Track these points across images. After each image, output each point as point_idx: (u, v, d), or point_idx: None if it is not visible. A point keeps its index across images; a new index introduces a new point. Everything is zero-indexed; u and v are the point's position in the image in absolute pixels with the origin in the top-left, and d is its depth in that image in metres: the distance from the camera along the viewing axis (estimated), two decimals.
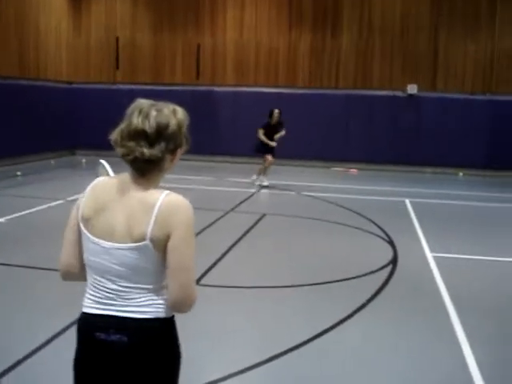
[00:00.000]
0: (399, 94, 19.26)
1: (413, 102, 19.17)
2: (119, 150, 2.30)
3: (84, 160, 19.05)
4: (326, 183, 15.24)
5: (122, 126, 2.34)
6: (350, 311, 5.79)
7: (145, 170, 2.29)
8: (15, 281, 6.60)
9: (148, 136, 2.25)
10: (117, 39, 21.15)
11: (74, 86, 21.00)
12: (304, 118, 19.27)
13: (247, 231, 9.38)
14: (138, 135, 2.26)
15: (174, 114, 2.37)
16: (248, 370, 4.48)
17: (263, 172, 14.82)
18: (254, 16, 20.22)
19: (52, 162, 18.34)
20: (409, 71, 19.39)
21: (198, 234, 8.87)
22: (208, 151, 19.84)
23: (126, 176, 2.35)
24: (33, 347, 4.71)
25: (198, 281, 6.66)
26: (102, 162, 3.01)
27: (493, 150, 18.57)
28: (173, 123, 2.32)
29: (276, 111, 14.70)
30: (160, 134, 2.27)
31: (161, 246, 2.23)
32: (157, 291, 2.32)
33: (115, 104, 20.32)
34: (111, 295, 2.31)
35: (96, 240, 2.29)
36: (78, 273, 2.42)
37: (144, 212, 2.23)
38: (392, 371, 4.62)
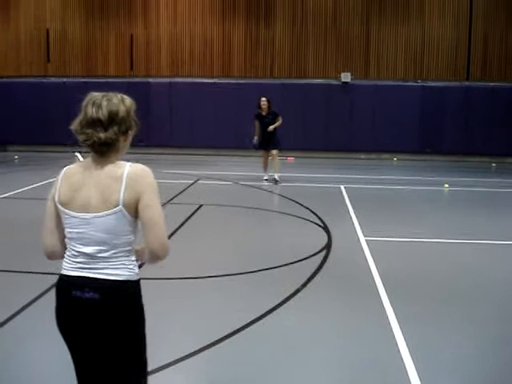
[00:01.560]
0: (333, 81, 19.54)
1: (347, 90, 19.48)
2: (80, 137, 2.69)
3: (16, 156, 18.63)
4: (262, 172, 15.36)
5: (80, 117, 2.71)
6: (284, 297, 5.88)
7: (104, 152, 2.69)
8: None
9: (102, 123, 2.65)
10: (47, 31, 20.68)
11: (4, 80, 20.44)
12: (240, 107, 19.33)
13: (184, 222, 9.38)
14: (94, 123, 2.65)
15: (123, 102, 2.75)
16: (184, 359, 4.51)
17: (265, 167, 14.14)
18: (187, 6, 20.11)
19: None
20: (342, 59, 19.70)
21: None
22: (144, 143, 19.68)
23: (89, 160, 2.75)
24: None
25: None
26: (77, 154, 3.58)
27: (425, 136, 19.09)
28: (122, 109, 2.71)
29: (262, 99, 13.68)
30: (112, 120, 2.67)
31: (132, 208, 2.66)
32: (128, 255, 2.75)
33: (47, 98, 20.13)
34: (88, 260, 2.70)
35: (77, 214, 2.68)
36: (61, 252, 2.82)
37: (114, 183, 2.65)
38: (324, 354, 4.73)
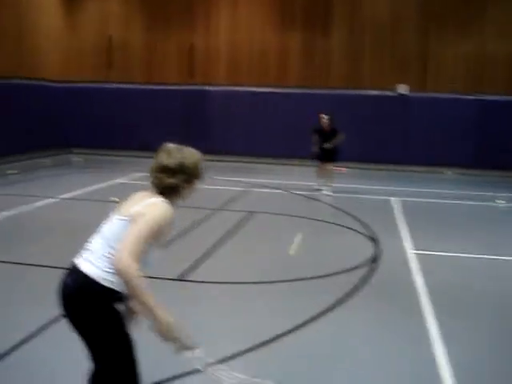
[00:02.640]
0: (389, 93, 19.46)
1: (403, 102, 19.38)
2: (150, 179, 3.22)
3: (79, 158, 19.25)
4: (314, 182, 15.43)
5: (152, 164, 3.24)
6: (327, 306, 5.98)
7: (165, 194, 3.18)
8: (7, 277, 6.79)
9: (170, 169, 3.17)
10: (110, 38, 21.30)
11: (68, 85, 21.13)
12: (294, 116, 19.49)
13: (234, 229, 9.57)
14: (163, 169, 3.18)
15: (191, 155, 3.28)
16: (224, 362, 4.65)
17: (319, 177, 14.21)
18: (247, 16, 20.40)
19: (47, 160, 18.50)
20: (399, 71, 19.59)
21: (184, 232, 9.08)
22: (200, 150, 20.00)
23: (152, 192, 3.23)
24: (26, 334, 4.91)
25: (182, 276, 6.87)
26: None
27: (481, 150, 18.81)
28: (189, 162, 3.23)
29: (324, 117, 13.84)
30: (180, 169, 3.18)
31: (132, 221, 3.01)
32: (109, 265, 2.99)
33: (109, 103, 20.72)
34: (87, 250, 3.15)
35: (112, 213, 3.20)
36: None
37: (141, 204, 3.10)
38: (363, 366, 4.81)
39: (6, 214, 10.02)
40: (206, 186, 13.70)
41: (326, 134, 13.76)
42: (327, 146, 13.65)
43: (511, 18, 18.96)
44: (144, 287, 2.98)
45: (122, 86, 20.96)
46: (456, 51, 19.28)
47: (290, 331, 5.31)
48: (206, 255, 7.90)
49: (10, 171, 15.24)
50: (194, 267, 7.30)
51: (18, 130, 17.90)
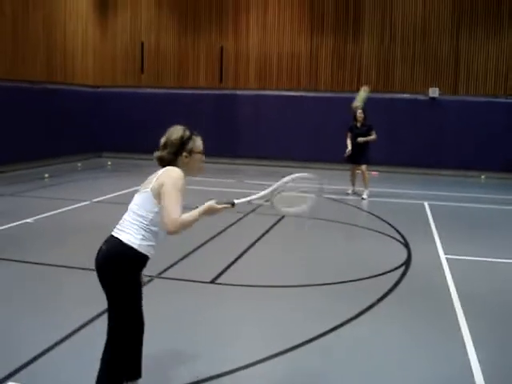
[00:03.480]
0: (421, 97, 19.35)
1: (434, 105, 19.24)
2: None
3: (109, 162, 19.48)
4: (345, 185, 15.41)
5: None
6: (360, 310, 5.99)
7: (162, 165, 3.80)
8: (45, 279, 6.92)
9: (161, 145, 3.84)
10: (142, 44, 21.55)
11: (101, 89, 21.44)
12: (325, 121, 19.49)
13: (266, 232, 9.62)
14: (159, 146, 3.85)
15: (176, 131, 3.86)
16: (256, 364, 4.71)
17: (352, 180, 14.07)
18: (277, 20, 20.46)
19: (79, 164, 18.78)
20: (430, 74, 19.47)
21: (217, 234, 9.15)
22: (230, 154, 20.17)
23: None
24: (56, 339, 5.01)
25: (215, 279, 6.93)
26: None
27: None
28: (173, 137, 3.82)
29: (358, 111, 13.58)
30: (166, 143, 3.84)
31: (156, 193, 3.61)
32: (140, 229, 3.63)
33: (140, 108, 20.97)
34: (119, 224, 3.74)
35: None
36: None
37: (154, 176, 3.71)
38: (396, 370, 4.81)
39: (43, 215, 10.22)
40: (237, 190, 13.86)
41: (359, 129, 13.51)
42: (360, 139, 13.32)
43: None
44: (188, 220, 3.59)
45: (153, 90, 21.19)
46: (487, 53, 19.07)
47: (321, 335, 5.33)
48: (238, 259, 7.96)
49: (46, 175, 15.51)
50: (226, 270, 7.36)
51: (54, 134, 18.22)
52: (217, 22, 20.93)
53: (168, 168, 3.70)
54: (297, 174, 4.26)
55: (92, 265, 3.71)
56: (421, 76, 19.54)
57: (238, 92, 20.68)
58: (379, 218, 11.10)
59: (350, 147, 13.58)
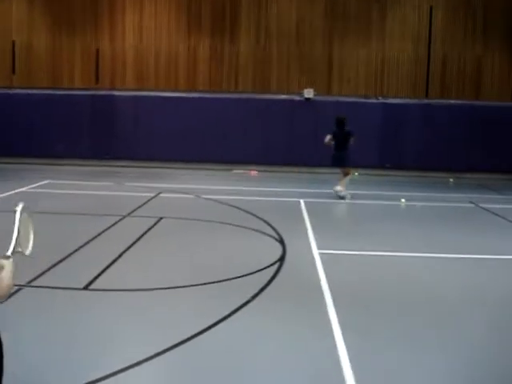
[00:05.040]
0: (296, 97, 19.88)
1: (309, 106, 19.83)
2: None
3: None
4: (225, 186, 15.57)
5: None
6: (234, 308, 6.08)
7: None
8: None
9: None
10: (13, 43, 20.68)
11: None
12: (204, 121, 19.60)
13: (143, 234, 9.52)
14: None
15: None
16: (133, 367, 4.67)
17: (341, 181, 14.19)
18: (153, 21, 20.32)
19: None
20: (305, 76, 20.06)
21: (92, 239, 8.96)
22: (108, 156, 19.80)
23: None
24: None
25: (87, 285, 6.78)
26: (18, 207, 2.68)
27: (385, 151, 19.54)
28: None
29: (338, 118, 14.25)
30: None
31: None
32: None
33: (12, 109, 20.11)
34: None
35: None
36: None
37: None
38: (268, 365, 4.92)
39: None
40: (115, 193, 13.62)
41: (339, 135, 14.04)
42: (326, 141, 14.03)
43: (410, 23, 19.81)
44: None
45: (26, 91, 20.40)
46: (358, 55, 19.92)
47: (196, 334, 5.37)
48: (114, 263, 7.83)
49: None
50: (100, 275, 7.22)
51: None
52: (92, 21, 20.49)
53: None
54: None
55: None
56: (296, 77, 20.10)
57: (116, 93, 20.34)
58: (257, 216, 11.29)
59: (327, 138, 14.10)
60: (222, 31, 20.14)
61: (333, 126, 14.19)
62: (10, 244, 2.57)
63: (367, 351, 5.19)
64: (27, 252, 2.65)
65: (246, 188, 15.14)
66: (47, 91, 20.37)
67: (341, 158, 14.14)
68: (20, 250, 2.58)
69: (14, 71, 20.90)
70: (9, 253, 2.50)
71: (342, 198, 13.79)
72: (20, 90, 20.57)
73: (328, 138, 14.05)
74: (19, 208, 2.67)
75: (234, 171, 19.05)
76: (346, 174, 14.18)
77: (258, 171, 19.01)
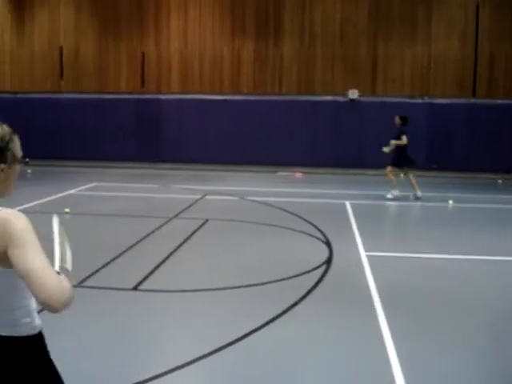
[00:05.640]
0: (340, 98, 19.77)
1: (354, 107, 19.69)
2: None
3: (29, 170, 18.93)
4: (270, 188, 15.57)
5: None
6: (283, 309, 6.07)
7: None
8: None
9: None
10: (61, 48, 21.11)
11: (19, 96, 20.86)
12: (249, 123, 19.66)
13: (189, 236, 9.59)
14: None
15: None
16: (183, 367, 4.70)
17: (391, 183, 14.18)
18: (198, 25, 20.47)
19: None
20: (350, 77, 19.93)
21: (139, 241, 9.06)
22: (153, 159, 20.03)
23: None
24: None
25: (136, 286, 6.86)
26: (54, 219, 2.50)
27: (431, 152, 19.25)
28: None
29: (396, 118, 14.22)
30: None
31: (3, 259, 2.19)
32: (17, 308, 2.32)
33: (60, 113, 20.53)
34: None
35: None
36: None
37: None
38: (318, 367, 4.90)
39: None
40: (161, 195, 13.77)
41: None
42: (392, 143, 13.83)
43: (457, 22, 19.51)
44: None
45: (73, 96, 20.79)
46: (403, 55, 19.70)
47: (245, 336, 5.37)
48: (162, 264, 7.90)
49: None
50: (149, 276, 7.30)
51: None
52: (138, 25, 20.75)
53: (7, 214, 2.24)
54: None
55: None
56: (340, 78, 19.98)
57: (161, 96, 20.56)
58: (303, 218, 11.26)
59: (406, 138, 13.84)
60: (265, 33, 20.17)
61: (398, 125, 14.10)
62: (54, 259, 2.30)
63: (418, 354, 5.11)
64: (69, 267, 2.39)
65: (291, 190, 15.10)
66: (94, 95, 20.73)
67: (411, 159, 14.10)
68: (65, 265, 2.34)
69: (62, 76, 21.32)
70: (57, 269, 2.24)
71: (418, 198, 13.76)
72: (68, 94, 20.98)
73: (405, 138, 13.88)
74: (55, 221, 2.46)
75: (279, 173, 19.05)
76: (406, 174, 14.22)
77: (303, 173, 18.96)
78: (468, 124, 19.21)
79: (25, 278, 2.13)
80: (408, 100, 19.53)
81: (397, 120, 14.17)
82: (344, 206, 12.94)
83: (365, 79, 19.93)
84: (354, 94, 19.63)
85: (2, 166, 2.37)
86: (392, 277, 7.54)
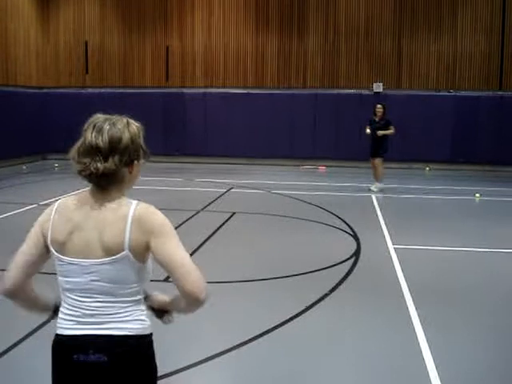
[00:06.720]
0: (365, 92, 19.69)
1: (379, 100, 19.57)
2: (75, 167, 2.31)
3: (56, 164, 19.15)
4: (295, 181, 15.58)
5: (79, 142, 2.34)
6: (311, 302, 6.10)
7: (103, 185, 2.30)
8: None
9: (101, 151, 2.25)
10: (86, 43, 21.27)
11: (45, 90, 21.08)
12: (273, 117, 19.66)
13: (217, 229, 9.66)
14: (93, 151, 2.26)
15: (128, 127, 2.34)
16: (214, 358, 4.76)
17: (374, 176, 14.41)
18: (222, 19, 20.50)
19: (24, 167, 18.42)
20: (374, 70, 19.84)
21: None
22: (178, 152, 20.13)
23: (87, 194, 2.36)
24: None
25: (167, 277, 6.90)
26: None
27: (457, 145, 19.11)
28: (126, 136, 2.30)
29: (378, 106, 14.14)
30: (113, 148, 2.27)
31: (140, 254, 2.27)
32: (138, 304, 2.38)
33: (85, 108, 20.63)
34: (91, 312, 2.30)
35: (75, 260, 2.28)
36: (24, 295, 2.43)
37: (117, 224, 2.25)
38: (350, 358, 4.93)
39: None
40: (187, 188, 13.85)
41: (377, 123, 13.96)
42: (379, 132, 13.77)
43: (483, 15, 19.31)
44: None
45: (98, 90, 20.95)
46: (429, 49, 19.56)
47: (277, 326, 5.42)
48: (191, 256, 7.94)
49: None
50: None
51: None
52: (162, 19, 20.83)
53: (140, 206, 2.36)
54: None
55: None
56: (365, 71, 19.89)
57: (185, 90, 20.64)
58: (329, 211, 11.27)
59: (368, 130, 14.00)
60: (289, 27, 20.13)
61: (381, 115, 14.07)
62: None
63: (449, 345, 5.13)
64: None
65: (317, 183, 15.10)
66: (119, 90, 20.85)
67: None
68: None
69: (87, 71, 21.48)
70: None
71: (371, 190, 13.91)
72: (93, 89, 21.14)
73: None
74: None
75: (303, 167, 19.05)
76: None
77: (327, 166, 18.94)
78: (494, 117, 19.01)
79: (169, 268, 2.31)
80: (434, 93, 19.39)
81: (381, 109, 14.05)
82: (370, 198, 12.92)
83: (390, 73, 19.82)
84: (378, 87, 19.53)
85: (139, 162, 2.41)
86: (420, 269, 7.54)
